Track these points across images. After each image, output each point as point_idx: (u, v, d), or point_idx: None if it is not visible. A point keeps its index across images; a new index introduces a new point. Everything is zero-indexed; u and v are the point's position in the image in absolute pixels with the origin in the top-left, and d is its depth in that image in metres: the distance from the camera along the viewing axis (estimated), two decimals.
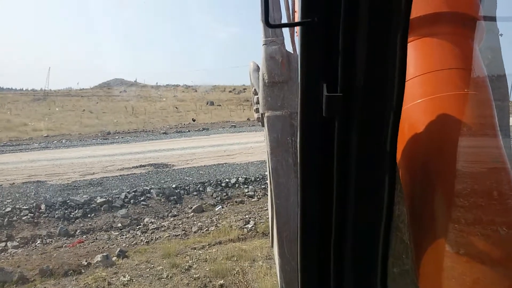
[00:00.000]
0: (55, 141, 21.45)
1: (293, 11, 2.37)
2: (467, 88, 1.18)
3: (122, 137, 23.07)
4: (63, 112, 39.77)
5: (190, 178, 12.09)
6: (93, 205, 9.93)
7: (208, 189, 11.26)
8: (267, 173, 2.52)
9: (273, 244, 2.51)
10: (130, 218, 9.52)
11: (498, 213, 1.05)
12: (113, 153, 16.69)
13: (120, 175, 12.58)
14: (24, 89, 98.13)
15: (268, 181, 2.57)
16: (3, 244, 8.16)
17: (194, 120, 30.89)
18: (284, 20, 2.17)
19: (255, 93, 2.65)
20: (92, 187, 11.24)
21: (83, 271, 6.82)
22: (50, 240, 8.44)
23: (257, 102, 2.51)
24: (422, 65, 1.28)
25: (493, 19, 1.50)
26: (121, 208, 9.90)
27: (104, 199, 10.11)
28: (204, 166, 13.88)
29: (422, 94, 1.22)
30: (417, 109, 1.21)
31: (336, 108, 0.76)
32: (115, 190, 10.93)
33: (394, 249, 1.27)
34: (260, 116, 2.47)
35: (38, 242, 8.31)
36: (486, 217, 1.04)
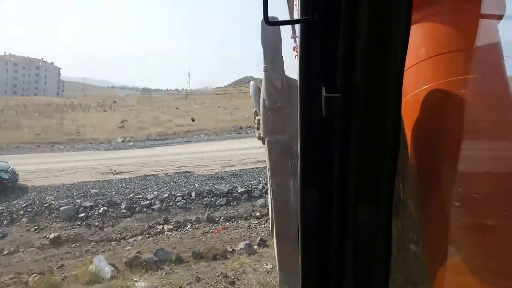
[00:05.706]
0: (195, 136, 23.63)
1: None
2: (483, 68, 1.14)
3: (253, 132, 24.15)
4: (202, 109, 43.73)
5: None
6: (235, 194, 10.61)
7: None
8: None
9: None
10: (267, 208, 9.84)
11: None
12: (247, 146, 17.52)
13: (257, 168, 13.14)
14: (169, 89, 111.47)
15: (269, 201, 2.85)
16: (160, 226, 9.23)
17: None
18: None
19: (256, 114, 2.89)
20: (232, 178, 12.00)
21: (228, 256, 7.28)
22: (199, 225, 9.25)
23: (259, 123, 2.69)
24: (432, 47, 1.23)
25: None
26: (259, 198, 10.35)
27: (244, 189, 10.72)
28: None
29: (435, 77, 1.17)
30: (430, 92, 1.16)
31: (335, 108, 0.76)
32: (253, 181, 11.47)
33: (401, 249, 1.20)
34: (262, 138, 2.67)
35: (189, 226, 9.19)
36: (497, 207, 1.03)
